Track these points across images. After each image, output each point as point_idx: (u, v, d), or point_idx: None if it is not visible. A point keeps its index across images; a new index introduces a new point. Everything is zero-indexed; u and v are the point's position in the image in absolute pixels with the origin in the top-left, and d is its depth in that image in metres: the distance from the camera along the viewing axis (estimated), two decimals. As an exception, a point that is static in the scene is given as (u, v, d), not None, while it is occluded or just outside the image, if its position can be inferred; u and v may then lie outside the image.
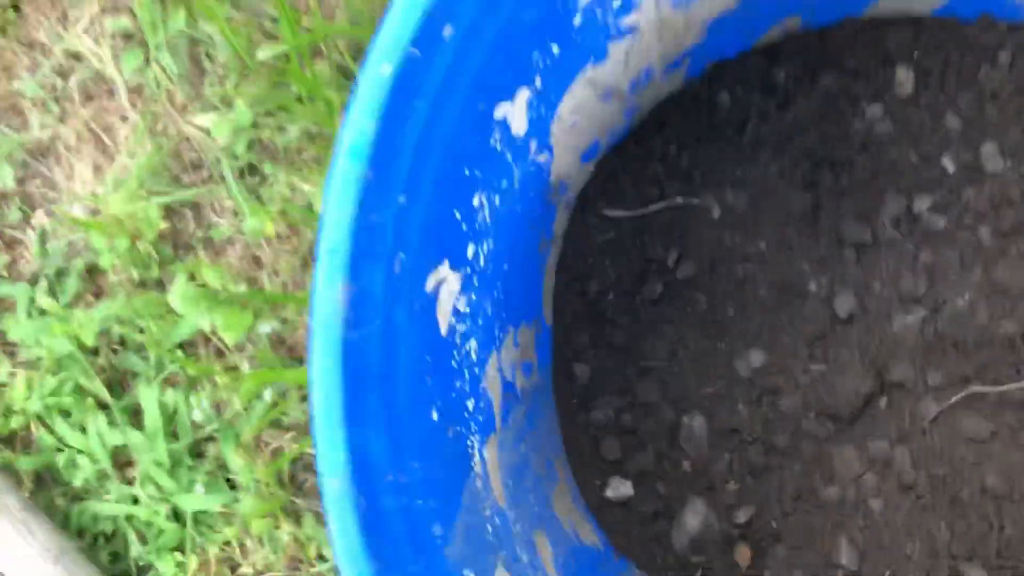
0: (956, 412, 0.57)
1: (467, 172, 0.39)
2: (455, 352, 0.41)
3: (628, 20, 0.46)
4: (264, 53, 0.80)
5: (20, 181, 0.87)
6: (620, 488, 0.58)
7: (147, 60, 0.84)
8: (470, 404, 0.43)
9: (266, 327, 0.79)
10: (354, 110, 0.30)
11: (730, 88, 0.60)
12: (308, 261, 0.84)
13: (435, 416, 0.38)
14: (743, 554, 0.57)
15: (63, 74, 0.86)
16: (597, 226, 0.59)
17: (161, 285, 0.83)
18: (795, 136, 0.59)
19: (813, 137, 0.59)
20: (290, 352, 0.82)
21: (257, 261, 0.84)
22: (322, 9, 0.81)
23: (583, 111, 0.50)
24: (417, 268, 0.36)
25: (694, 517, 0.57)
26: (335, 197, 0.30)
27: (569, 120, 0.49)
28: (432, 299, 0.38)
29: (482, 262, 0.43)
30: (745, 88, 0.60)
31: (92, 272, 0.85)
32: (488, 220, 0.43)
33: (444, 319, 0.40)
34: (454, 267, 0.40)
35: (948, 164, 0.58)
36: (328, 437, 0.30)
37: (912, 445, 0.57)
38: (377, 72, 0.30)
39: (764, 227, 0.59)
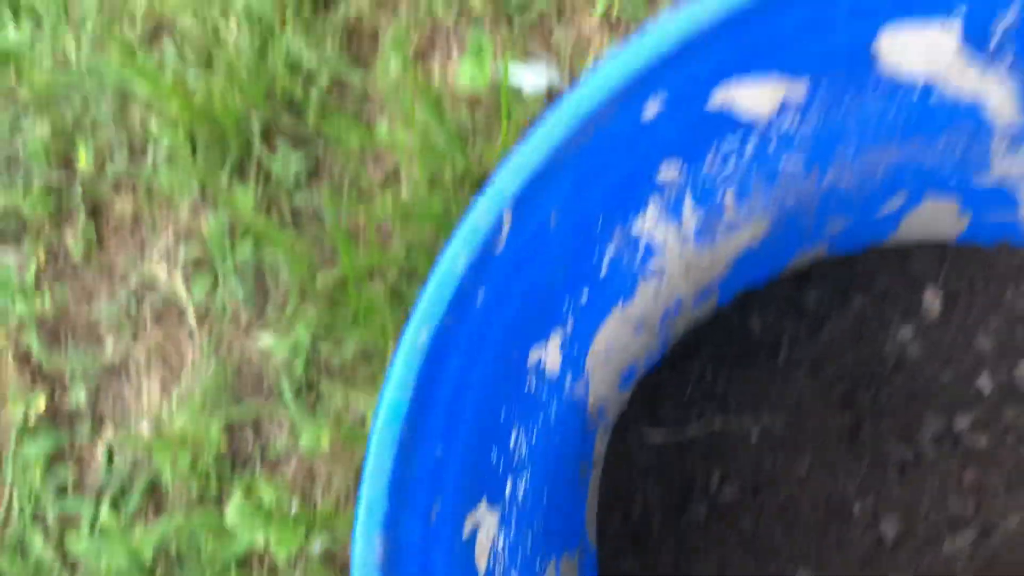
0: (1018, 642, 0.55)
1: (502, 417, 0.41)
2: (493, 591, 0.42)
3: (654, 264, 0.49)
4: (323, 279, 0.86)
5: (92, 399, 0.92)
6: None
7: (215, 284, 0.90)
8: (510, 642, 0.43)
9: (317, 545, 0.81)
10: (392, 378, 0.33)
11: (761, 314, 0.62)
12: (359, 477, 0.86)
13: (473, 658, 0.39)
14: None
15: (138, 298, 0.93)
16: (637, 450, 0.60)
17: (219, 500, 0.86)
18: (829, 358, 0.61)
19: (848, 359, 0.61)
20: (341, 571, 0.82)
21: (312, 476, 0.86)
22: (378, 236, 0.87)
23: (617, 343, 0.52)
24: (454, 514, 0.38)
25: None
26: (374, 456, 0.33)
27: (603, 353, 0.51)
28: (470, 543, 0.39)
29: (520, 496, 0.45)
30: (776, 313, 0.62)
31: (154, 487, 0.88)
32: (525, 454, 0.45)
33: (483, 559, 0.41)
34: (492, 505, 0.41)
35: (984, 384, 0.59)
36: None
37: None
38: (416, 339, 0.33)
39: (804, 448, 0.60)
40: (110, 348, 0.92)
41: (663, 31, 0.33)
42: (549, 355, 0.45)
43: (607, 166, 0.38)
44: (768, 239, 0.57)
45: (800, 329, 0.62)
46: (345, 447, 0.85)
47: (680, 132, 0.39)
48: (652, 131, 0.38)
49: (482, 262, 0.34)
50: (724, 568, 0.59)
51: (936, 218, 0.58)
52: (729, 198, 0.48)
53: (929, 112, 0.45)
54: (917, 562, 0.57)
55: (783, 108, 0.42)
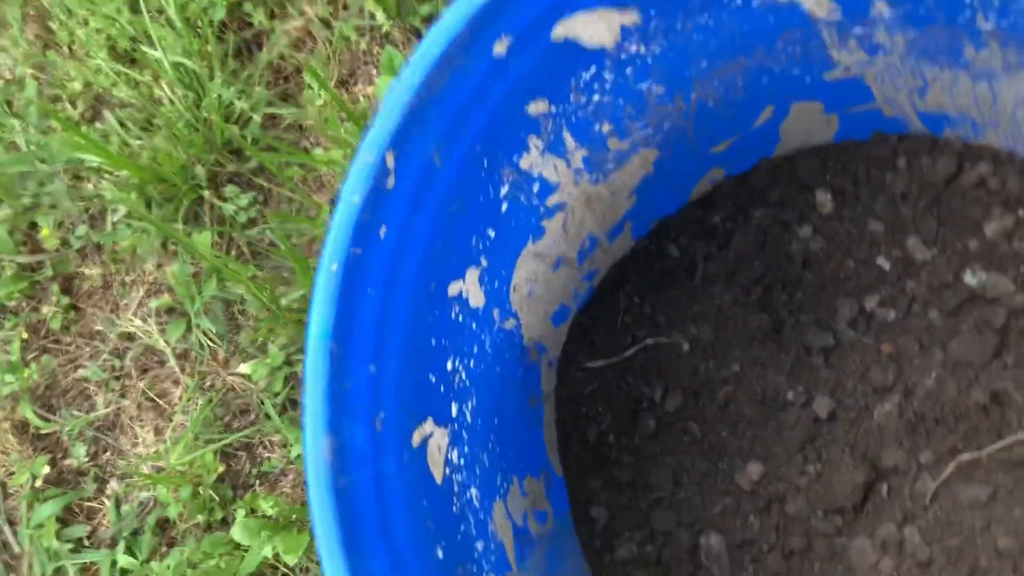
0: (952, 483, 0.60)
1: (434, 342, 0.47)
2: (455, 499, 0.47)
3: (553, 199, 0.55)
4: (286, 300, 0.91)
5: (92, 456, 0.97)
6: (655, 618, 0.61)
7: (189, 327, 0.96)
8: (479, 545, 0.48)
9: (322, 543, 0.85)
10: (315, 302, 0.39)
11: (675, 239, 0.68)
12: (353, 475, 0.91)
13: (440, 554, 0.44)
14: (786, 661, 0.59)
15: (120, 354, 0.98)
16: (582, 379, 0.66)
17: (226, 524, 0.90)
18: (741, 268, 0.67)
19: (758, 266, 0.67)
20: (349, 564, 0.87)
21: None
22: (331, 252, 0.93)
23: (539, 281, 0.58)
24: (400, 425, 0.43)
25: (731, 633, 0.60)
26: (310, 371, 0.38)
27: (526, 289, 0.57)
28: (421, 452, 0.45)
29: (468, 418, 0.50)
30: (688, 236, 0.68)
31: (163, 525, 0.92)
32: (467, 381, 0.51)
33: (437, 469, 0.46)
34: (439, 423, 0.47)
35: (883, 263, 0.65)
36: (331, 565, 0.36)
37: (919, 523, 0.60)
38: (328, 269, 0.39)
39: (733, 352, 0.65)
40: (101, 404, 0.97)
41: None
42: (470, 289, 0.50)
43: (474, 104, 0.44)
44: (661, 166, 0.63)
45: (712, 247, 0.68)
46: (335, 452, 0.90)
47: (534, 67, 0.45)
48: (507, 67, 0.44)
49: (376, 198, 0.40)
50: (680, 472, 0.64)
51: (809, 123, 0.64)
52: (607, 128, 0.54)
53: (758, 18, 0.51)
54: (852, 434, 0.63)
55: (625, 35, 0.48)
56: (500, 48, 0.43)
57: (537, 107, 0.48)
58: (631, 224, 0.66)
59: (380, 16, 0.97)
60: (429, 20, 0.98)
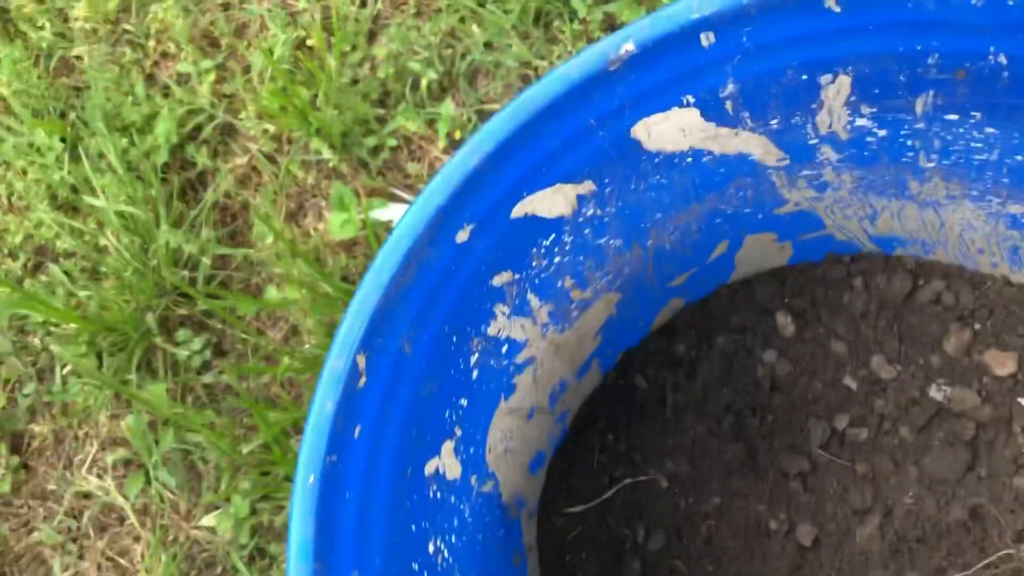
0: (942, 605, 0.60)
1: (414, 528, 0.46)
2: None
3: (522, 356, 0.55)
4: (247, 447, 0.89)
5: (50, 626, 0.92)
6: None
7: (148, 480, 0.92)
8: None
9: None
10: (293, 519, 0.38)
11: (642, 371, 0.68)
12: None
13: None
14: None
15: (76, 514, 0.94)
16: (563, 525, 0.64)
17: None
18: (710, 397, 0.67)
19: (727, 393, 0.67)
20: None
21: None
22: (290, 392, 0.91)
23: (514, 435, 0.57)
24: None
25: None
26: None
27: (501, 447, 0.56)
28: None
29: (453, 601, 0.49)
30: (655, 367, 0.68)
31: None
32: (450, 559, 0.49)
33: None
34: (425, 615, 0.45)
35: (850, 383, 0.66)
36: None
37: (914, 649, 0.60)
38: (305, 483, 0.38)
39: (711, 484, 0.65)
40: (58, 569, 0.93)
41: (446, 178, 0.39)
42: (446, 463, 0.49)
43: (440, 290, 0.43)
44: (624, 305, 0.63)
45: (679, 376, 0.68)
46: (308, 602, 0.87)
47: (497, 246, 0.45)
48: (470, 251, 0.44)
49: (348, 402, 0.39)
50: (670, 613, 0.63)
51: (762, 251, 0.65)
52: (569, 283, 0.54)
53: (708, 172, 0.52)
54: (837, 559, 0.62)
55: (582, 202, 0.48)
56: (463, 236, 0.43)
57: (501, 278, 0.48)
58: (598, 361, 0.66)
59: (325, 151, 0.97)
60: (376, 151, 0.98)
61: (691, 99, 0.44)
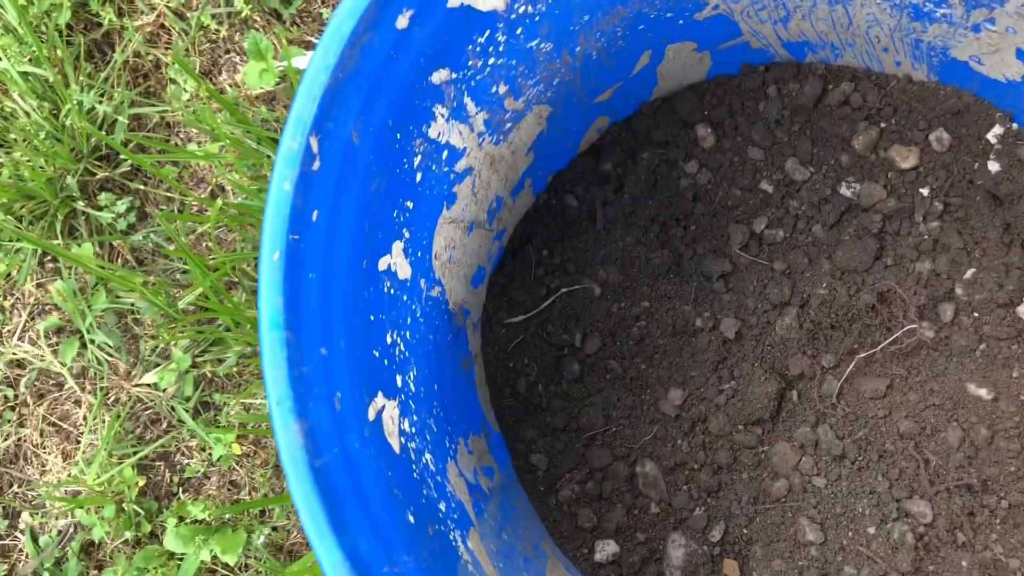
0: (854, 381, 0.66)
1: (372, 318, 0.48)
2: (413, 466, 0.49)
3: (461, 164, 0.56)
4: (184, 301, 0.89)
5: (-2, 491, 0.93)
6: (605, 549, 0.64)
7: (83, 344, 0.92)
8: (441, 506, 0.50)
9: (261, 538, 0.85)
10: (262, 293, 0.39)
11: (573, 190, 0.71)
12: (279, 468, 0.90)
13: (411, 519, 0.45)
14: (730, 566, 0.64)
15: (12, 383, 0.94)
16: (506, 335, 0.68)
17: (155, 537, 0.89)
18: (637, 210, 0.70)
19: (652, 205, 0.70)
20: (290, 555, 0.87)
21: (235, 484, 0.90)
22: (222, 244, 0.91)
23: (456, 246, 0.60)
24: (356, 402, 0.44)
25: (677, 549, 0.64)
26: (268, 361, 0.39)
27: (446, 255, 0.58)
28: (378, 425, 0.46)
29: (412, 388, 0.52)
30: (584, 186, 0.71)
31: (88, 549, 0.90)
32: (406, 352, 0.52)
33: (394, 440, 0.47)
34: (388, 396, 0.48)
35: (767, 187, 0.69)
36: (322, 545, 0.37)
37: (830, 421, 0.65)
38: (271, 259, 0.39)
39: (641, 289, 0.69)
40: None
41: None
42: (397, 262, 0.51)
43: (383, 79, 0.45)
44: (554, 121, 0.65)
45: (608, 193, 0.70)
46: (257, 444, 0.89)
47: (434, 36, 0.46)
48: (410, 40, 0.45)
49: (305, 182, 0.40)
50: (608, 409, 0.67)
51: (683, 64, 0.67)
52: (503, 89, 0.56)
53: (633, -32, 0.53)
54: (759, 349, 0.67)
55: (514, -3, 0.50)
56: (403, 21, 0.44)
57: (440, 76, 0.49)
58: (531, 180, 0.68)
59: (237, 2, 0.95)
60: (287, 1, 0.96)
61: None
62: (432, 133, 0.52)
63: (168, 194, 0.95)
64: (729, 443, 0.66)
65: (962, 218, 0.66)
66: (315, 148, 0.41)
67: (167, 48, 0.99)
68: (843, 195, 0.68)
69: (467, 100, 0.53)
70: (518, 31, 0.53)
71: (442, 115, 0.51)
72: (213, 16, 0.97)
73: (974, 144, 0.65)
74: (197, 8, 0.97)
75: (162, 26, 1.00)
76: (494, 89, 0.55)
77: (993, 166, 0.65)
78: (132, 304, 0.92)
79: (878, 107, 0.67)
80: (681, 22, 0.61)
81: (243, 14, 0.95)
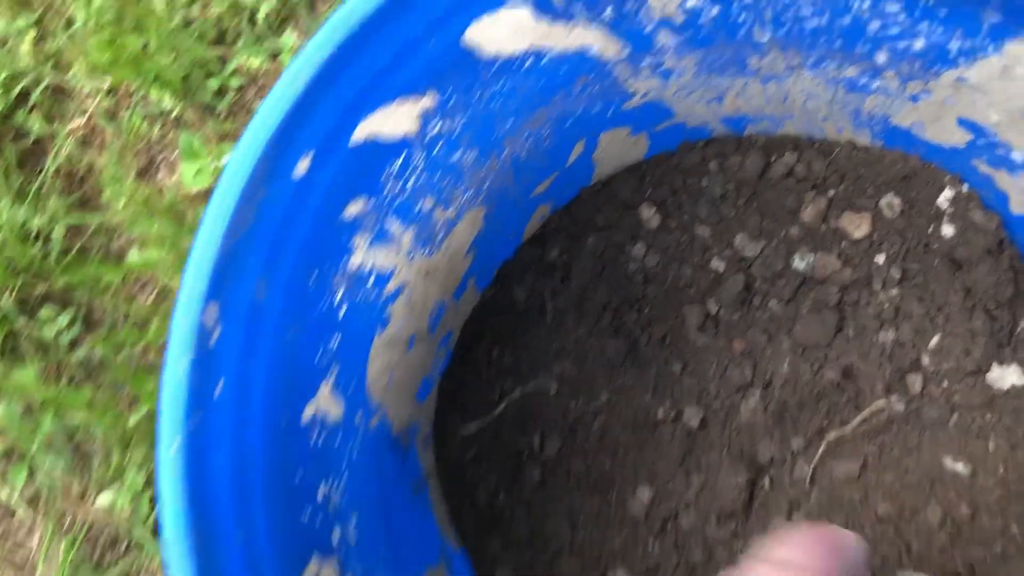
0: (826, 463, 0.63)
1: (299, 480, 0.45)
2: (358, 626, 0.46)
3: (391, 285, 0.53)
4: (134, 418, 0.86)
5: (-46, 632, 0.88)
6: (582, 665, 0.61)
7: (32, 469, 0.89)
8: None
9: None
10: (161, 497, 0.36)
11: (519, 282, 0.68)
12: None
13: None
14: (713, 673, 0.60)
15: (-39, 516, 0.90)
16: (459, 446, 0.65)
17: (120, 667, 0.85)
18: (587, 298, 0.67)
19: (602, 292, 0.67)
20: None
21: (201, 603, 0.86)
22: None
23: (396, 366, 0.57)
24: (284, 577, 0.41)
25: (657, 660, 0.60)
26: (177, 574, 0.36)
27: (384, 379, 0.55)
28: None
29: (354, 538, 0.48)
30: (531, 277, 0.68)
31: None
32: (344, 501, 0.49)
33: (334, 604, 0.44)
34: (324, 556, 0.45)
35: (718, 264, 0.67)
36: None
37: (805, 508, 0.62)
38: (168, 454, 0.36)
39: (598, 382, 0.66)
40: (-49, 575, 0.89)
41: (270, 111, 0.37)
42: (326, 405, 0.48)
43: (287, 229, 0.42)
44: (491, 219, 0.62)
45: (555, 282, 0.68)
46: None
47: (343, 174, 0.44)
48: (313, 183, 0.42)
49: (203, 359, 0.37)
50: (574, 514, 0.64)
51: (619, 148, 0.65)
52: (429, 204, 0.53)
53: (550, 72, 0.51)
54: (725, 436, 0.64)
55: (426, 118, 0.47)
56: (302, 168, 0.41)
57: (354, 208, 0.46)
58: (474, 279, 0.65)
59: (167, 100, 0.92)
60: (220, 94, 0.94)
61: (518, -2, 0.42)
62: (353, 265, 0.49)
63: (114, 299, 0.92)
64: (702, 539, 0.63)
65: (921, 284, 0.63)
66: (212, 320, 0.38)
67: (101, 150, 0.96)
68: (797, 268, 0.66)
69: (390, 222, 0.50)
70: (437, 149, 0.50)
71: (363, 245, 0.49)
72: (145, 116, 0.94)
73: (926, 208, 0.63)
74: (129, 108, 0.95)
75: (94, 128, 0.97)
76: (419, 206, 0.52)
77: (947, 230, 0.62)
78: (83, 422, 0.89)
79: (824, 176, 0.65)
80: (610, 113, 0.59)
81: (175, 113, 0.93)
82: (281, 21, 0.95)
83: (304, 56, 0.38)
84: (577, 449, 0.65)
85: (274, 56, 0.93)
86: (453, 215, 0.57)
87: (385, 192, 0.48)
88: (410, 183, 0.50)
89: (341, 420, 0.50)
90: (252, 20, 0.93)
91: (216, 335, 0.38)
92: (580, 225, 0.69)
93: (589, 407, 0.65)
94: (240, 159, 0.37)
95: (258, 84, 0.94)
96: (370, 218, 0.48)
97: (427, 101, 0.46)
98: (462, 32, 0.43)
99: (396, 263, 0.53)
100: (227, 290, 0.38)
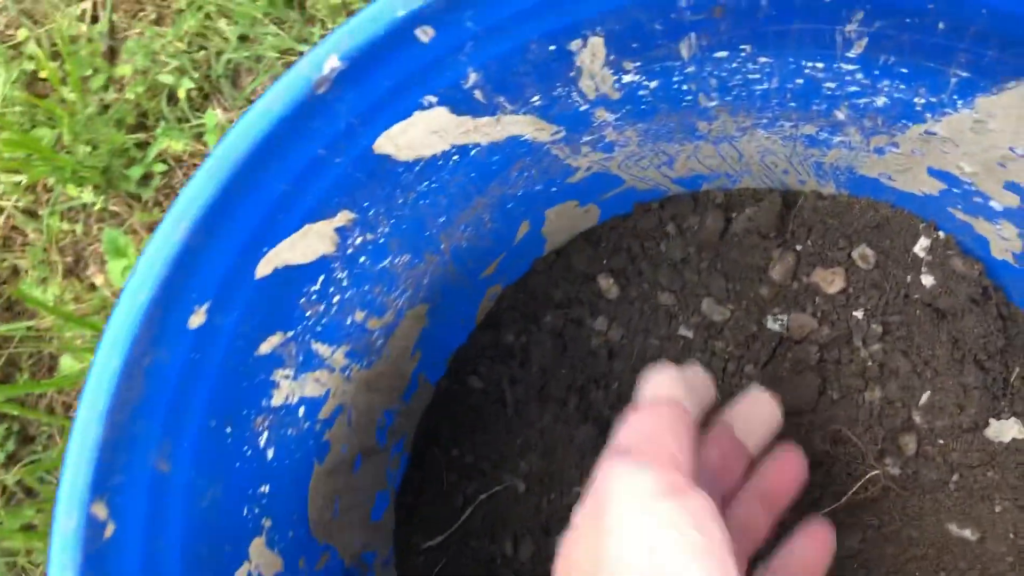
0: (822, 539, 0.58)
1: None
2: None
3: (326, 409, 0.48)
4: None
5: None
6: None
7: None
8: None
9: None
10: None
11: (475, 370, 0.63)
12: None
13: None
14: None
15: (-98, 660, 0.83)
16: (424, 563, 0.59)
17: None
18: (550, 381, 0.62)
19: (566, 373, 0.62)
20: None
21: None
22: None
23: (342, 493, 0.51)
24: None
25: None
26: None
27: (329, 513, 0.50)
28: None
29: None
30: (487, 363, 0.63)
31: None
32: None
33: None
34: None
35: (686, 332, 0.62)
36: None
37: (805, 591, 0.58)
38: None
39: (569, 473, 0.61)
40: None
41: (149, 266, 0.32)
42: (260, 562, 0.43)
43: (190, 385, 0.36)
44: (437, 313, 0.57)
45: (513, 368, 0.63)
46: None
47: (250, 313, 0.38)
48: (216, 331, 0.37)
49: (95, 560, 0.32)
50: (557, 621, 0.59)
51: (569, 219, 0.60)
52: (361, 316, 0.48)
53: (481, 163, 0.46)
54: (712, 517, 0.59)
55: (344, 234, 0.42)
56: (198, 318, 0.36)
57: (270, 343, 0.41)
58: (424, 375, 0.60)
59: (87, 195, 0.87)
60: (145, 181, 0.88)
61: (432, 99, 0.37)
62: (277, 401, 0.43)
63: (51, 407, 0.86)
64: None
65: (905, 337, 0.59)
66: (103, 515, 0.32)
67: (24, 250, 0.90)
68: (771, 329, 0.61)
69: (316, 347, 0.45)
70: (361, 260, 0.45)
71: (286, 377, 0.43)
72: (65, 212, 0.88)
73: (902, 258, 0.59)
74: (47, 207, 0.89)
75: (14, 228, 0.91)
76: (349, 321, 0.47)
77: (927, 280, 0.58)
78: (21, 548, 0.82)
79: (791, 229, 0.61)
80: (555, 189, 0.54)
81: (97, 207, 0.87)
82: (204, 98, 0.89)
83: (184, 199, 0.32)
84: (553, 551, 0.59)
85: (199, 136, 0.88)
86: (391, 319, 0.52)
87: (307, 316, 0.43)
88: (335, 300, 0.45)
89: (282, 572, 0.44)
90: (173, 100, 0.88)
91: (110, 531, 0.32)
92: (536, 302, 0.64)
93: (563, 502, 0.60)
94: (118, 326, 0.32)
95: (185, 166, 0.89)
96: (290, 348, 0.42)
97: (342, 218, 0.40)
98: (371, 144, 0.38)
99: (330, 385, 0.48)
100: (119, 478, 0.33)
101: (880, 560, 0.57)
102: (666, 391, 0.43)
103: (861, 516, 0.58)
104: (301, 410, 0.46)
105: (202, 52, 0.89)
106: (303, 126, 0.34)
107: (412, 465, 0.60)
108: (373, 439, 0.54)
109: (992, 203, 0.49)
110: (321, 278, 0.42)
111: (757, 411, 0.52)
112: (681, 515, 0.33)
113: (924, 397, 0.58)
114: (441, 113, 0.39)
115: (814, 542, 0.49)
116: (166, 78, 0.88)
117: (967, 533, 0.56)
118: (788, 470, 0.52)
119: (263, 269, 0.38)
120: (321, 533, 0.48)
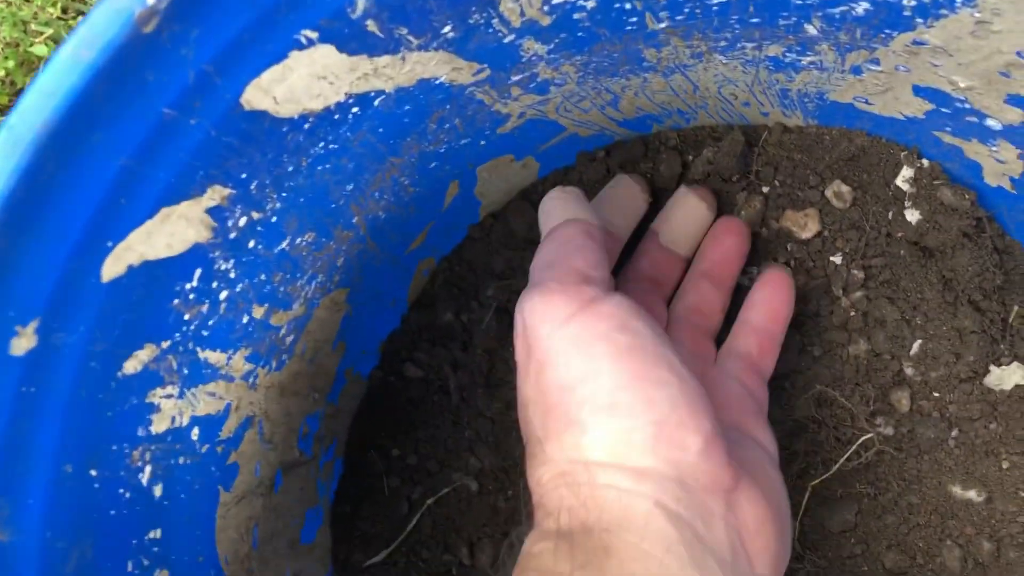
0: (815, 514, 0.52)
1: None
2: None
3: (229, 426, 0.40)
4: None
5: None
6: None
7: None
8: None
9: None
10: None
11: (411, 357, 0.55)
12: None
13: None
14: None
15: None
16: (370, 583, 0.52)
17: None
18: (497, 363, 0.55)
19: (513, 354, 0.55)
20: None
21: None
22: None
23: (259, 519, 0.43)
24: None
25: None
26: None
27: (245, 545, 0.42)
28: None
29: None
30: (425, 347, 0.55)
31: None
32: None
33: None
34: None
35: (646, 294, 0.55)
36: None
37: (800, 575, 0.52)
38: None
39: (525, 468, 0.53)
40: None
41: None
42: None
43: (28, 427, 0.28)
44: (358, 296, 0.49)
45: (455, 351, 0.55)
46: None
47: (102, 325, 0.30)
48: (56, 351, 0.29)
49: None
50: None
51: (504, 177, 0.53)
52: (260, 312, 0.40)
53: (390, 115, 0.38)
54: (690, 499, 0.53)
55: (221, 216, 0.34)
56: (24, 343, 0.27)
57: (138, 360, 0.33)
58: (352, 369, 0.52)
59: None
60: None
61: (311, 34, 0.29)
62: (159, 428, 0.35)
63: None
64: (684, 637, 0.51)
65: (890, 281, 0.52)
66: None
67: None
68: (741, 284, 0.54)
69: (205, 355, 0.37)
70: (250, 245, 0.37)
71: (168, 396, 0.35)
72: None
73: (882, 192, 0.52)
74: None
75: None
76: (245, 319, 0.39)
77: (912, 215, 0.51)
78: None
79: (755, 169, 0.53)
80: (484, 143, 0.46)
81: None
82: None
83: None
84: (514, 553, 0.53)
85: None
86: (302, 311, 0.43)
87: (187, 320, 0.35)
88: (222, 297, 0.36)
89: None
90: (50, 74, 0.78)
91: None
92: (475, 274, 0.56)
93: (521, 499, 0.53)
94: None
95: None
96: (169, 362, 0.34)
97: (215, 195, 0.32)
98: (236, 97, 0.29)
99: (230, 397, 0.40)
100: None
101: (879, 533, 0.51)
102: (559, 214, 0.42)
103: (855, 485, 0.52)
104: (195, 432, 0.38)
105: (81, 18, 0.79)
106: (132, 79, 0.25)
107: (346, 473, 0.53)
108: (295, 450, 0.46)
109: (989, 121, 0.42)
110: (198, 272, 0.34)
111: (681, 214, 0.51)
112: (597, 324, 0.35)
113: (915, 347, 0.52)
114: (326, 52, 0.31)
115: (773, 286, 0.50)
116: (40, 49, 0.78)
117: (972, 494, 0.50)
118: (726, 243, 0.50)
119: (112, 269, 0.30)
120: (238, 570, 0.41)
